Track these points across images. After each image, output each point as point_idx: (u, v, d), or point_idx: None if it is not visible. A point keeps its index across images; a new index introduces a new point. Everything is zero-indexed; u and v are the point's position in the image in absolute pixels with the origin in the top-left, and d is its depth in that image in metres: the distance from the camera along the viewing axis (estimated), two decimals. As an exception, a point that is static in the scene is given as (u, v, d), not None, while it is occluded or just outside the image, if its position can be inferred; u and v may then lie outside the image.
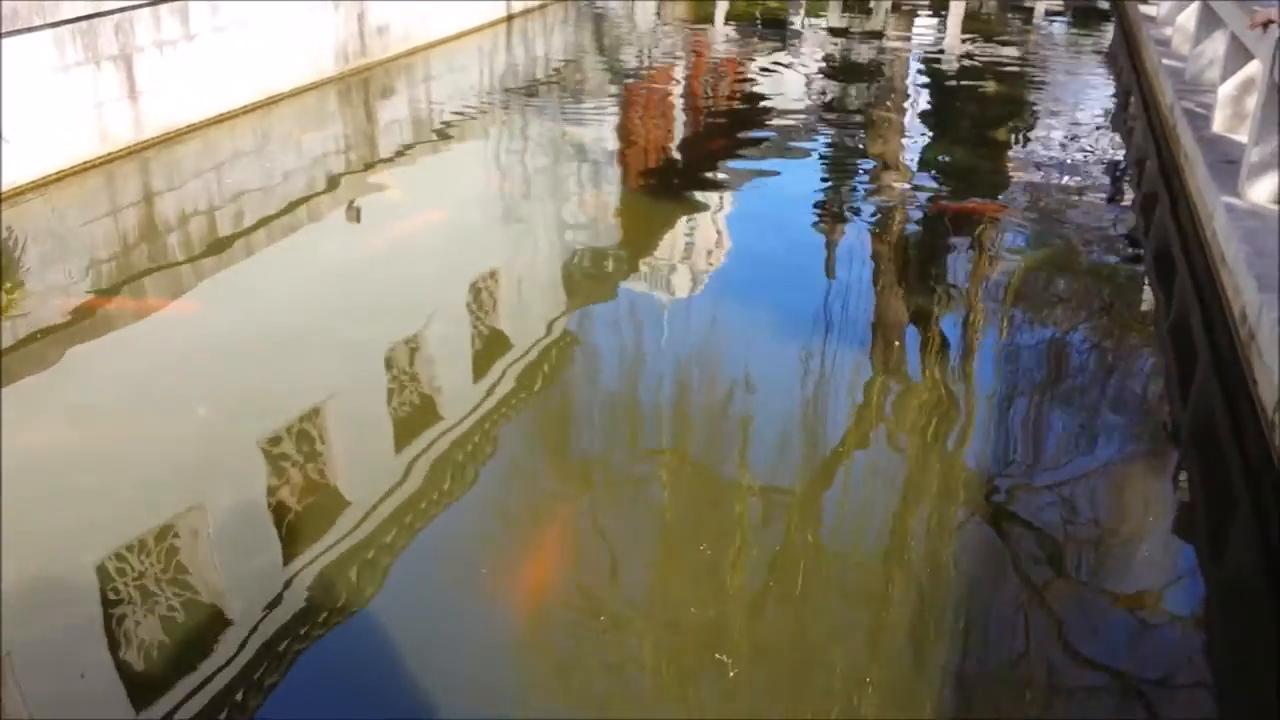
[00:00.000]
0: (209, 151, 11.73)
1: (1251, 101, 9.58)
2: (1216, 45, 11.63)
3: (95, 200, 10.23)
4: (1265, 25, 8.65)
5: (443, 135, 13.16)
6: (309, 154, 12.18)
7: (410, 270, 8.96)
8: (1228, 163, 9.28)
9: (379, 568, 5.31)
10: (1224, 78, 10.44)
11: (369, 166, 11.88)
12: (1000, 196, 11.06)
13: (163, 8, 11.45)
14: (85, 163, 10.64)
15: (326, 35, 14.35)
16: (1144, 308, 8.81)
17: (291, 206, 10.31)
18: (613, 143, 13.23)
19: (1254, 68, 9.72)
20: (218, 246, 9.40)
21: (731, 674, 4.63)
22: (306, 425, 6.53)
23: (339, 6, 14.48)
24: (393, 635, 4.87)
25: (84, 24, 10.52)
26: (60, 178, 10.32)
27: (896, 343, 7.96)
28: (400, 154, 12.24)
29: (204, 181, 11.02)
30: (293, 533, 5.59)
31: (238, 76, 12.67)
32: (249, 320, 8.07)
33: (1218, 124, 10.43)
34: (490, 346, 7.81)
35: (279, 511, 5.78)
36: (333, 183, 11.17)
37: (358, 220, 10.28)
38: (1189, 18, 13.64)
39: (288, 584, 5.19)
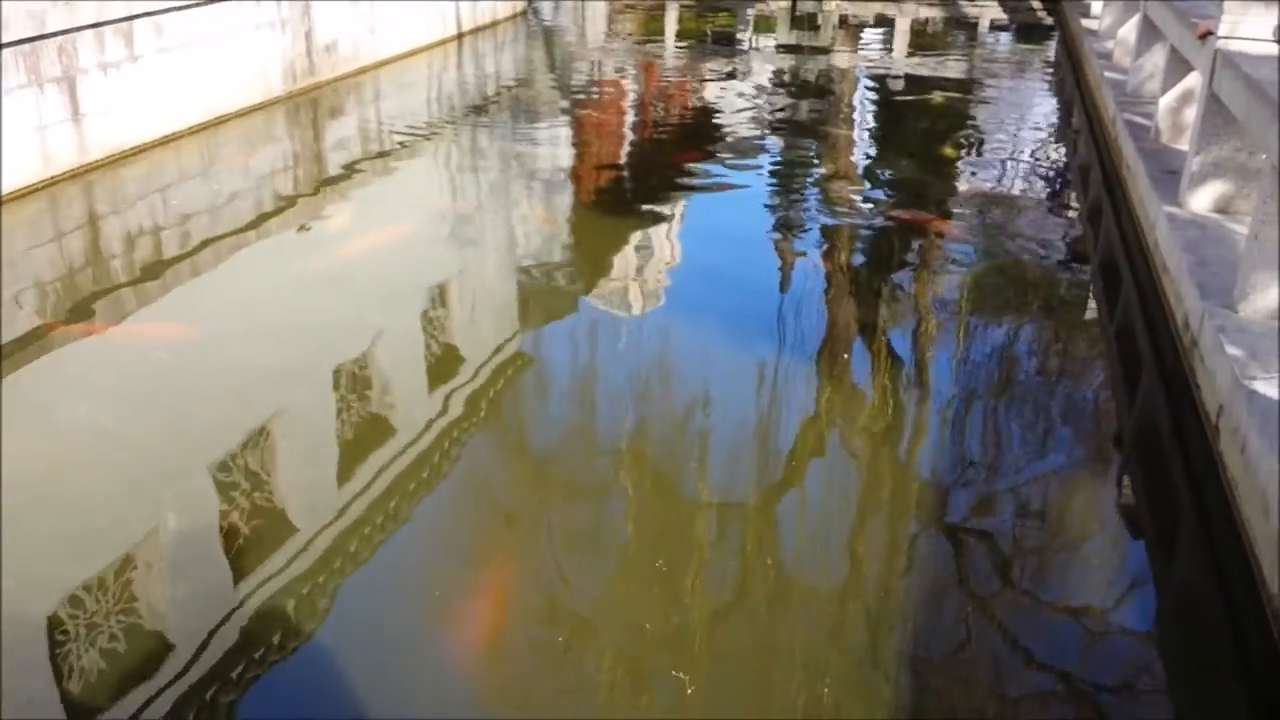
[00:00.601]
0: (155, 173, 11.60)
1: (1191, 112, 9.75)
2: (1156, 58, 11.83)
3: (39, 225, 10.08)
4: (1204, 36, 8.81)
5: (393, 154, 13.09)
6: (256, 175, 12.07)
7: (360, 290, 8.88)
8: (1169, 173, 9.44)
9: (328, 593, 5.25)
10: (1164, 89, 10.62)
11: (317, 187, 11.79)
12: (949, 208, 11.17)
13: (106, 29, 11.32)
14: (28, 187, 10.48)
15: (273, 55, 14.25)
16: (1090, 316, 8.93)
17: (239, 229, 10.21)
18: (565, 159, 13.23)
19: (1193, 79, 9.90)
20: (163, 269, 9.28)
21: (689, 689, 4.62)
22: (253, 451, 6.45)
23: (286, 25, 14.40)
24: (346, 659, 4.83)
25: (26, 47, 10.38)
26: (1, 202, 10.16)
27: (847, 354, 8.00)
28: (349, 174, 12.16)
29: (149, 204, 10.90)
30: (240, 559, 5.52)
31: (183, 97, 12.56)
32: (197, 343, 7.98)
33: (1158, 135, 10.61)
34: (442, 366, 7.77)
35: (227, 537, 5.70)
36: (280, 204, 11.08)
37: (307, 237, 10.21)
38: (1130, 31, 13.87)
39: (234, 611, 5.11)
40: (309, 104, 14.70)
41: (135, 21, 11.70)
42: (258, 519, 5.81)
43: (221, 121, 13.20)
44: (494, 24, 20.66)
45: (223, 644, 4.88)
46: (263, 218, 10.58)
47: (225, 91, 13.32)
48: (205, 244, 9.77)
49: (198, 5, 12.61)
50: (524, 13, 22.21)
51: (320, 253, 9.94)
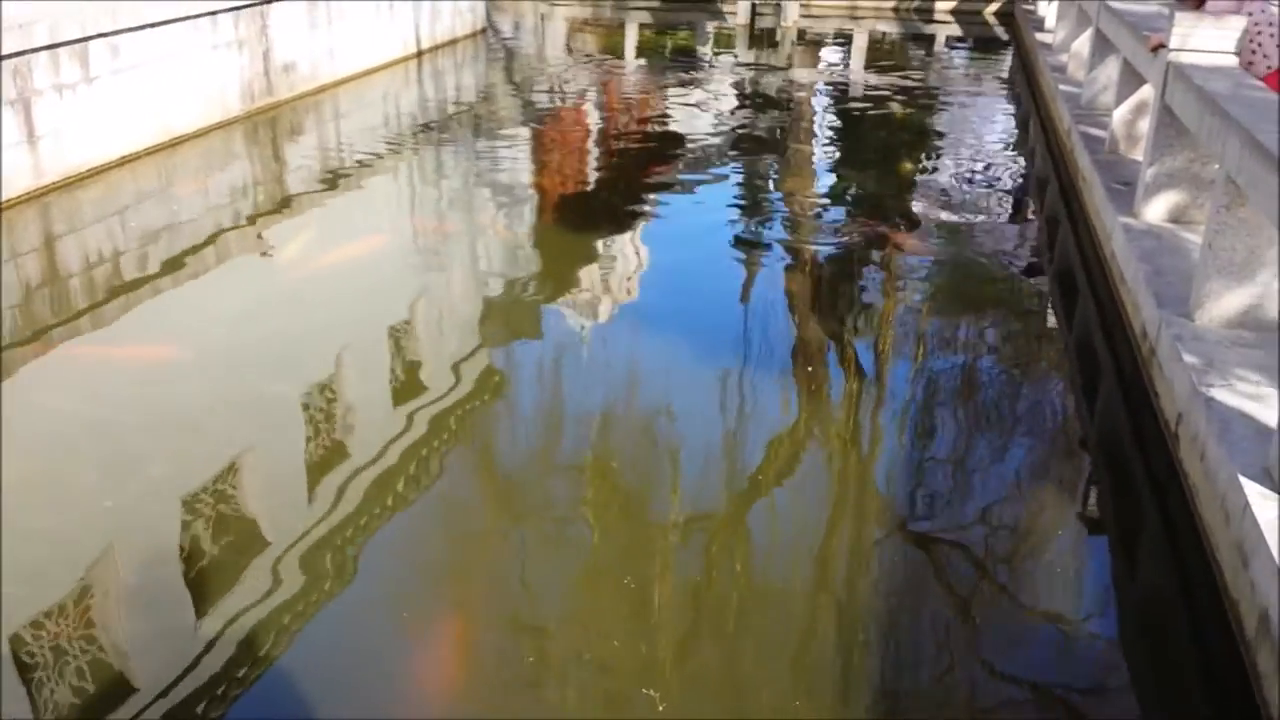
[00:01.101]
0: (112, 195, 11.49)
1: (1144, 124, 9.89)
2: (1110, 70, 12.00)
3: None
4: (1156, 49, 8.95)
5: (353, 173, 13.03)
6: (215, 196, 11.99)
7: (323, 310, 8.84)
8: (1124, 184, 9.57)
9: (294, 624, 5.21)
10: (1118, 102, 10.77)
11: (276, 207, 11.72)
12: (907, 221, 11.26)
13: (62, 51, 11.22)
14: (-18, 209, 10.38)
15: (231, 74, 14.17)
16: (1050, 326, 9.02)
17: (197, 249, 10.12)
18: (527, 176, 13.22)
19: (1146, 91, 10.05)
20: (121, 291, 9.19)
21: (661, 706, 4.61)
22: (225, 478, 6.39)
23: (244, 46, 14.33)
24: (314, 685, 4.78)
25: (-22, 68, 10.28)
26: (-44, 225, 10.04)
27: (812, 366, 8.04)
28: (309, 193, 12.09)
29: (107, 226, 10.79)
30: (207, 590, 5.46)
31: (140, 118, 12.46)
32: (157, 365, 7.91)
33: (1113, 146, 10.75)
34: (406, 386, 7.73)
35: (194, 568, 5.63)
36: (239, 223, 11.00)
37: (269, 257, 10.16)
38: (1083, 45, 14.07)
39: (203, 642, 5.05)
40: (267, 124, 14.62)
41: (90, 43, 11.60)
42: (222, 541, 5.76)
43: (179, 142, 13.11)
44: (453, 42, 20.66)
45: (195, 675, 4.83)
46: (221, 238, 10.49)
47: (182, 112, 13.23)
48: (163, 266, 9.68)
49: (153, 26, 12.52)
50: (483, 31, 22.21)
51: (280, 272, 9.87)
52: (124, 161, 12.20)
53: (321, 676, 4.84)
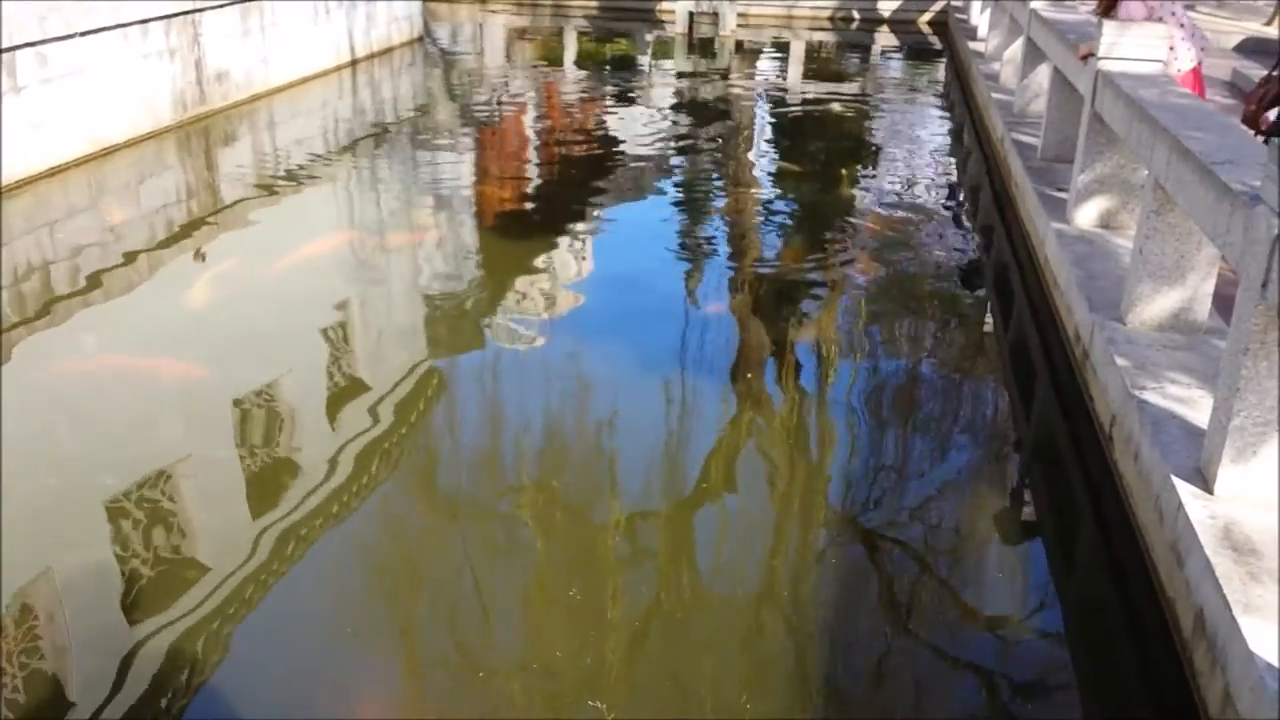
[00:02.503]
0: (40, 207, 11.26)
1: (1075, 131, 10.05)
2: (1041, 78, 12.20)
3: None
4: (1085, 58, 9.11)
5: (288, 182, 12.88)
6: (147, 206, 11.79)
7: (259, 320, 8.72)
8: (1056, 190, 9.72)
9: (232, 635, 5.12)
10: (1049, 109, 10.95)
11: (209, 216, 11.54)
12: (847, 228, 11.38)
13: (-14, 59, 11.00)
14: (-96, 222, 10.11)
15: (162, 83, 13.96)
16: (986, 331, 9.14)
17: (129, 258, 9.94)
18: (467, 185, 13.15)
19: (1076, 98, 10.20)
20: (53, 303, 9.00)
21: (608, 708, 4.60)
22: (155, 488, 6.28)
23: (175, 54, 14.12)
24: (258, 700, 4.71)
25: (-101, 77, 10.03)
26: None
27: (754, 374, 8.07)
28: (242, 201, 11.93)
29: (36, 238, 10.56)
30: (141, 601, 5.35)
31: (69, 128, 12.22)
32: (92, 377, 7.76)
33: (1044, 153, 10.92)
34: (347, 395, 7.64)
35: (128, 579, 5.53)
36: (172, 234, 10.82)
37: (203, 264, 10.02)
38: (1015, 53, 14.29)
39: (135, 654, 4.96)
40: (200, 133, 14.42)
41: (17, 52, 11.37)
42: (162, 561, 5.65)
43: (110, 152, 12.88)
44: (389, 50, 20.51)
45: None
46: (152, 247, 10.32)
47: (113, 121, 13.01)
48: (91, 278, 9.49)
49: (82, 35, 12.30)
50: (420, 39, 22.08)
51: (218, 282, 9.72)
52: (53, 172, 11.96)
53: (261, 689, 4.76)
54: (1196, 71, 9.11)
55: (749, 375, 8.03)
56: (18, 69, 11.39)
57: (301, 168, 13.36)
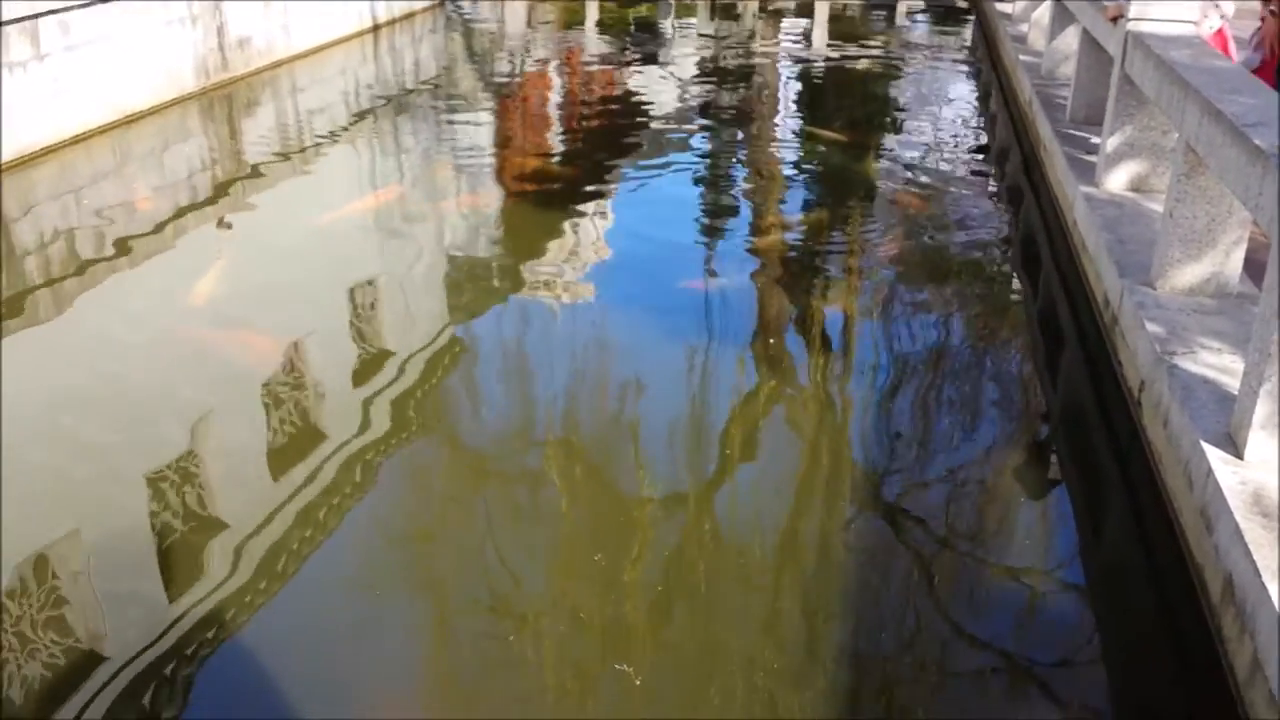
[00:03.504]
0: (66, 174, 11.30)
1: (1105, 94, 9.92)
2: (1069, 40, 12.03)
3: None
4: (1115, 19, 8.97)
5: (312, 147, 12.88)
6: (171, 172, 11.81)
7: (284, 285, 8.76)
8: (1085, 153, 9.61)
9: (269, 588, 5.17)
10: (1078, 71, 10.80)
11: (234, 182, 11.56)
12: (872, 192, 11.30)
13: (10, 28, 10.99)
14: (-68, 189, 10.17)
15: (185, 50, 13.94)
16: (1014, 296, 9.07)
17: (158, 226, 9.98)
18: (489, 152, 13.12)
19: (1106, 61, 10.06)
20: (83, 267, 9.07)
21: (635, 672, 4.61)
22: (187, 455, 6.33)
23: (197, 21, 14.09)
24: (288, 652, 4.76)
25: (-75, 45, 10.06)
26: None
27: (779, 339, 8.04)
28: (267, 168, 11.94)
29: (61, 205, 10.61)
30: (172, 564, 5.41)
31: (93, 96, 12.24)
32: (119, 339, 7.83)
33: (1074, 116, 10.79)
34: (373, 359, 7.67)
35: (159, 542, 5.59)
36: (197, 199, 10.85)
37: (229, 230, 10.06)
38: (1043, 14, 14.09)
39: (171, 615, 5.01)
40: (223, 100, 14.41)
41: (40, 20, 11.37)
42: (191, 518, 5.71)
43: (134, 119, 12.89)
44: (410, 16, 20.41)
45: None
46: (179, 213, 10.35)
47: (136, 89, 13.01)
48: (120, 244, 9.54)
49: (105, 2, 12.29)
50: (441, 4, 21.97)
51: (242, 247, 9.75)
52: (77, 140, 11.99)
53: (288, 646, 4.81)
54: (1222, 33, 8.97)
55: (771, 340, 8.00)
56: (41, 36, 11.39)
57: (324, 135, 13.35)
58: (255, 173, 11.86)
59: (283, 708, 4.48)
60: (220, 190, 11.22)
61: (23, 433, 6.47)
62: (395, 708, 4.52)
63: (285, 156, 12.45)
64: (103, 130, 12.38)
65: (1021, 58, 14.07)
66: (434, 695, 4.69)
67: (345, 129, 13.70)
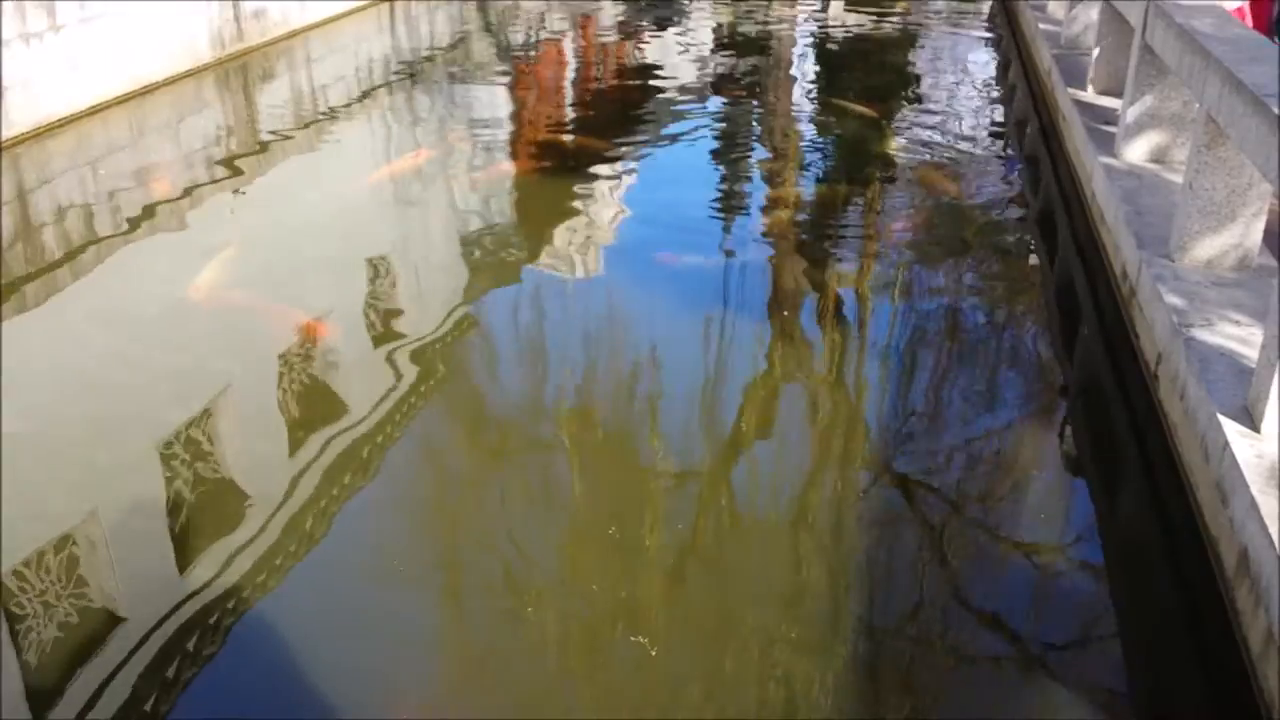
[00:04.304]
0: (83, 145, 11.34)
1: (1125, 63, 9.83)
2: (1090, 9, 11.91)
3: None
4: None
5: (328, 117, 12.88)
6: (187, 143, 11.83)
7: (299, 255, 8.80)
8: (1104, 123, 9.53)
9: (284, 564, 5.22)
10: (1098, 40, 10.71)
11: (251, 153, 11.58)
12: (889, 162, 11.24)
13: (28, 0, 11.02)
14: (-49, 161, 10.22)
15: (200, 21, 13.93)
16: (1030, 267, 9.03)
17: (173, 198, 10.01)
18: (505, 122, 13.09)
19: (1126, 30, 9.97)
20: (100, 238, 9.11)
21: (650, 644, 4.65)
22: (199, 426, 6.37)
23: (213, -10, 14.09)
24: (305, 629, 4.80)
25: (-58, 16, 10.08)
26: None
27: (791, 311, 8.03)
28: (283, 138, 11.95)
29: (79, 175, 10.65)
30: (190, 532, 5.46)
31: (110, 67, 12.25)
32: (142, 302, 7.93)
33: (1093, 86, 10.70)
34: (390, 331, 7.71)
35: (175, 511, 5.64)
36: (213, 170, 10.87)
37: (242, 194, 10.09)
38: (1063, -18, 13.95)
39: (190, 583, 5.07)
40: (239, 70, 14.41)
41: (56, -11, 11.39)
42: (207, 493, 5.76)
43: (150, 90, 12.91)
44: (426, -15, 20.32)
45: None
46: (195, 184, 10.38)
47: (152, 60, 13.01)
48: (137, 214, 9.57)
49: (121, -29, 12.29)
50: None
51: (257, 217, 9.78)
52: (94, 111, 12.02)
53: (306, 619, 4.86)
54: (1242, 9, 8.87)
55: (785, 313, 7.99)
56: (57, 8, 11.40)
57: (337, 106, 13.34)
58: (270, 144, 11.86)
59: (301, 681, 4.53)
60: (235, 160, 11.24)
61: (40, 406, 6.53)
62: (413, 678, 4.56)
63: (301, 127, 12.45)
64: (120, 101, 12.40)
65: (1041, 26, 13.93)
66: (452, 666, 4.73)
67: (361, 100, 13.67)
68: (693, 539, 5.45)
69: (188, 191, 10.19)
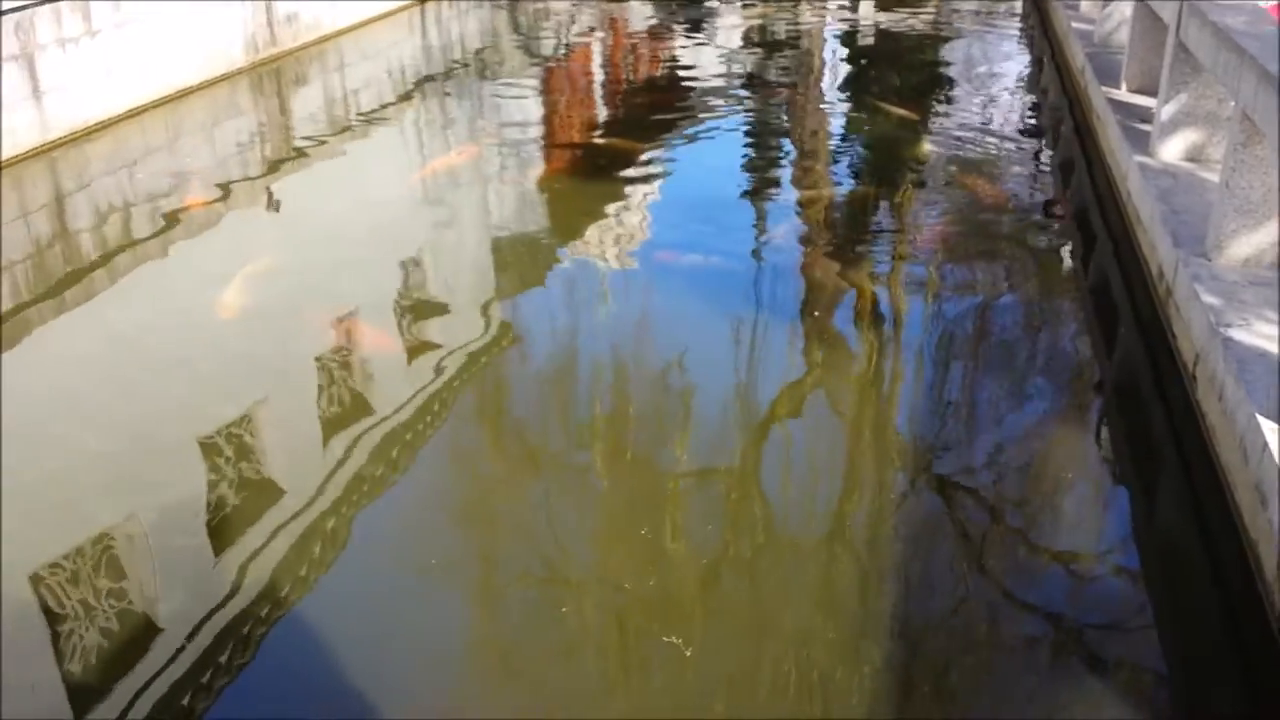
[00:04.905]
0: (120, 149, 11.46)
1: (1159, 61, 9.76)
2: (1123, 7, 11.83)
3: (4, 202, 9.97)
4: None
5: (360, 123, 12.96)
6: (222, 148, 11.94)
7: (334, 258, 8.86)
8: (1139, 122, 9.46)
9: (322, 559, 5.27)
10: (1131, 38, 10.63)
11: (284, 158, 11.67)
12: (921, 161, 11.21)
13: (63, 5, 11.14)
14: (-9, 166, 10.36)
15: (234, 26, 14.05)
16: (1066, 267, 8.97)
17: (209, 201, 10.11)
18: (536, 122, 13.14)
19: (1160, 27, 9.89)
20: (136, 243, 9.21)
21: (686, 644, 4.66)
22: (240, 423, 6.44)
23: (246, -4, 14.21)
24: (339, 626, 4.85)
25: (-19, 23, 10.22)
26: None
27: (826, 311, 8.02)
28: (316, 143, 12.04)
29: (117, 179, 10.78)
30: (228, 528, 5.52)
31: (144, 71, 12.38)
32: (176, 311, 8.01)
33: (1128, 84, 10.62)
34: (424, 332, 7.76)
35: (215, 508, 5.70)
36: (248, 175, 10.97)
37: (277, 210, 10.15)
38: (1096, -20, 13.85)
39: (230, 579, 5.12)
40: (272, 75, 14.52)
41: (93, -4, 11.53)
42: (246, 490, 5.81)
43: (184, 95, 13.03)
44: (457, -12, 20.41)
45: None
46: (230, 190, 10.48)
47: (187, 65, 13.14)
48: (171, 219, 9.68)
49: (156, -23, 12.43)
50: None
51: (294, 222, 9.86)
52: (130, 115, 12.14)
53: (344, 616, 4.90)
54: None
55: (817, 313, 7.98)
56: (92, 13, 11.53)
57: (369, 110, 13.43)
58: (306, 146, 11.95)
59: (329, 677, 4.57)
60: (273, 164, 11.34)
61: (76, 409, 6.63)
62: (447, 673, 4.59)
63: (334, 131, 12.53)
64: (155, 105, 12.53)
65: (1074, 25, 13.84)
66: (486, 662, 4.75)
67: (393, 104, 13.75)
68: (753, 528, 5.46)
69: (225, 194, 10.30)
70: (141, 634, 4.86)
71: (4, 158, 10.47)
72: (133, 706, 4.45)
